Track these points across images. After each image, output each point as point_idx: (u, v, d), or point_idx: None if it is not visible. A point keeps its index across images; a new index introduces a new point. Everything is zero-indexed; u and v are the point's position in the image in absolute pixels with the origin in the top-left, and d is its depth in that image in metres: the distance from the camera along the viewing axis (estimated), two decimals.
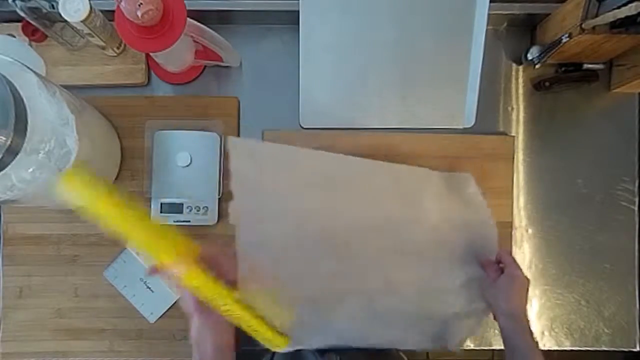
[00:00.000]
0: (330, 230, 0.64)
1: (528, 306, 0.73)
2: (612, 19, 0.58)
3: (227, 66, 0.73)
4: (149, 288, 0.70)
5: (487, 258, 0.66)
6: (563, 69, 0.73)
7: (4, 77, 0.47)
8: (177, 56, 0.68)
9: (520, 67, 0.76)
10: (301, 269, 0.61)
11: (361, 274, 0.64)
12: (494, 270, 0.63)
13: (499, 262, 0.64)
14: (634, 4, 0.55)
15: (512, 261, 0.61)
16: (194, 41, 0.67)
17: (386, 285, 0.65)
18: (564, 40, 0.64)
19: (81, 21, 0.59)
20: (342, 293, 0.63)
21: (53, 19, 0.68)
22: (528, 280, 0.60)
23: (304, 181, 0.64)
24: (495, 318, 0.61)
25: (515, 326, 0.57)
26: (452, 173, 0.71)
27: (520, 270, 0.60)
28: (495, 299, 0.61)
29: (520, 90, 0.76)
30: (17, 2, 0.61)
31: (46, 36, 0.71)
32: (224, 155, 0.72)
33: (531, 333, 0.56)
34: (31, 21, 0.65)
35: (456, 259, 0.67)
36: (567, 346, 0.75)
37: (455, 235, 0.69)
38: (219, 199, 0.71)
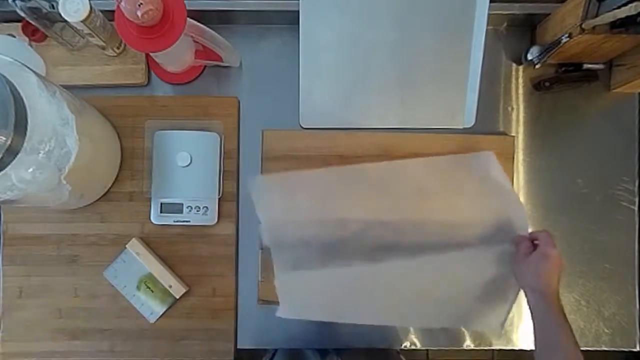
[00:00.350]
0: (357, 223, 0.70)
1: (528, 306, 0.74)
2: (612, 19, 0.58)
3: (227, 66, 0.73)
4: (149, 288, 0.70)
5: (519, 235, 0.65)
6: (563, 69, 0.73)
7: (4, 77, 0.47)
8: (177, 56, 0.68)
9: (520, 67, 0.76)
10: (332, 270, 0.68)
11: (393, 266, 0.68)
12: (526, 247, 0.62)
13: (533, 240, 0.62)
14: (634, 4, 0.55)
15: (547, 239, 0.59)
16: (194, 41, 0.67)
17: (419, 269, 0.68)
18: (564, 40, 0.64)
19: (81, 21, 0.59)
20: (373, 286, 0.68)
21: (53, 19, 0.68)
22: (561, 260, 0.58)
23: (322, 195, 0.71)
24: (525, 295, 0.60)
25: (544, 303, 0.56)
26: (473, 153, 0.72)
27: (555, 249, 0.58)
28: (523, 275, 0.60)
29: (520, 90, 0.76)
30: (17, 2, 0.61)
31: (46, 36, 0.71)
32: (224, 155, 0.72)
33: (561, 310, 0.55)
34: (31, 21, 0.65)
35: (487, 239, 0.68)
36: None
37: (484, 214, 0.70)
38: (219, 199, 0.71)
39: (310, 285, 0.68)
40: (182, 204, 0.70)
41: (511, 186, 0.70)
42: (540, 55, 0.70)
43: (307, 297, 0.69)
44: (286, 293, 0.67)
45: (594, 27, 0.61)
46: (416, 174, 0.71)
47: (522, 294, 0.62)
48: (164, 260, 0.72)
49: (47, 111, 0.50)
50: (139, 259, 0.69)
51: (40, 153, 0.49)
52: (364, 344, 0.73)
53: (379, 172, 0.71)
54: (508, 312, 0.68)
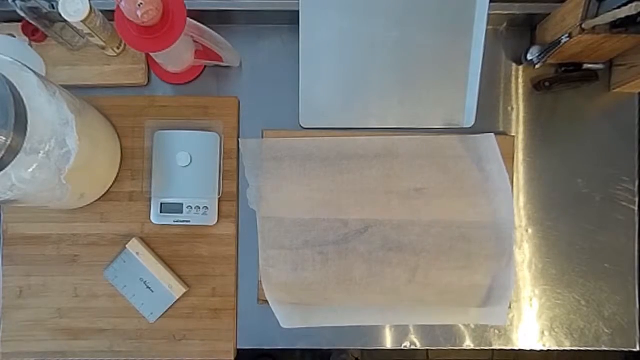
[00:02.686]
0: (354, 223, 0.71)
1: (528, 306, 0.74)
2: (612, 19, 0.58)
3: (227, 66, 0.73)
4: (149, 288, 0.70)
5: None
6: (563, 69, 0.73)
7: (4, 77, 0.47)
8: (177, 56, 0.68)
9: (520, 67, 0.76)
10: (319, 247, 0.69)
11: (394, 264, 0.69)
12: None
13: None
14: (634, 4, 0.55)
15: None
16: (194, 41, 0.67)
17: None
18: (564, 40, 0.64)
19: (81, 21, 0.59)
20: (370, 269, 0.69)
21: (53, 19, 0.68)
22: None
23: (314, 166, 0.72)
24: None
25: None
26: (473, 135, 0.72)
27: None
28: None
29: (520, 90, 0.76)
30: (17, 2, 0.61)
31: (46, 36, 0.71)
32: (224, 155, 0.72)
33: None
34: (31, 21, 0.65)
35: (471, 227, 0.70)
36: (567, 346, 0.75)
37: (479, 207, 0.71)
38: (219, 199, 0.71)
39: (309, 288, 0.68)
40: (182, 204, 0.70)
41: (504, 171, 0.71)
42: (540, 55, 0.70)
43: (305, 301, 0.69)
44: (282, 302, 0.68)
45: (594, 27, 0.61)
46: (411, 150, 0.72)
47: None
48: (164, 260, 0.72)
49: (47, 111, 0.50)
50: (139, 259, 0.69)
51: (40, 153, 0.49)
52: (365, 344, 0.73)
53: (373, 146, 0.72)
54: (509, 298, 0.70)
